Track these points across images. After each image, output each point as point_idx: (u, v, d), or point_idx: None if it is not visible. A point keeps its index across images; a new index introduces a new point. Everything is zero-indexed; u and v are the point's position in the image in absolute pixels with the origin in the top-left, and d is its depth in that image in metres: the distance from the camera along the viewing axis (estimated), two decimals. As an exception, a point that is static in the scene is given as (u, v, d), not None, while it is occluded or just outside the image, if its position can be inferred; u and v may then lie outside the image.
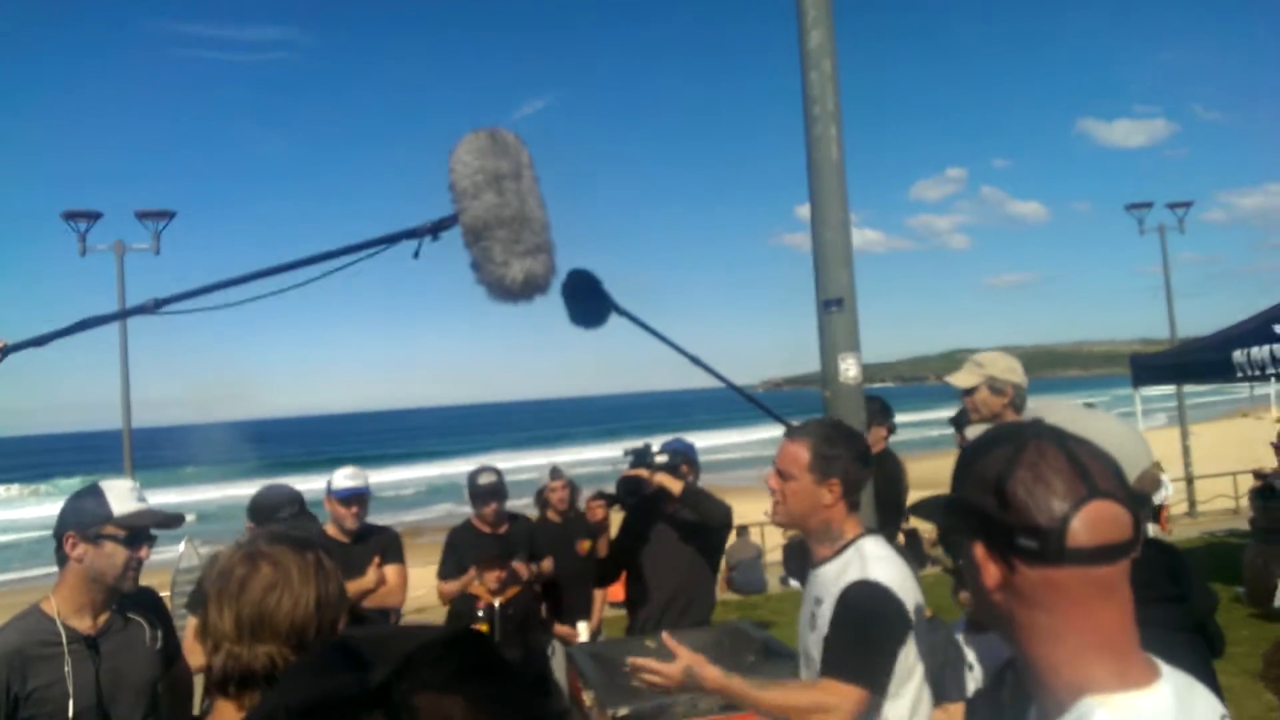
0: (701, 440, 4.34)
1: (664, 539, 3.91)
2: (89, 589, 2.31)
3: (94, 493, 2.35)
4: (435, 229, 2.28)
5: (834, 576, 2.12)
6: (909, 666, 2.05)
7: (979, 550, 0.99)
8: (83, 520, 2.28)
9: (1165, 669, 0.96)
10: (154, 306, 2.54)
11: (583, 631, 4.76)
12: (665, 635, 2.29)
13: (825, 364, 3.40)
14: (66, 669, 2.22)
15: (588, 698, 2.97)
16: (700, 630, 3.63)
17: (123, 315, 2.62)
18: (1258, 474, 10.04)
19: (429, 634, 0.63)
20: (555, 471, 5.27)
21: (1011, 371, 3.19)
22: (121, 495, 2.34)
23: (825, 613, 2.08)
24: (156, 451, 55.01)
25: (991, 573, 0.97)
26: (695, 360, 3.46)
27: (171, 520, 2.45)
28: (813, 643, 2.12)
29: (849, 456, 2.17)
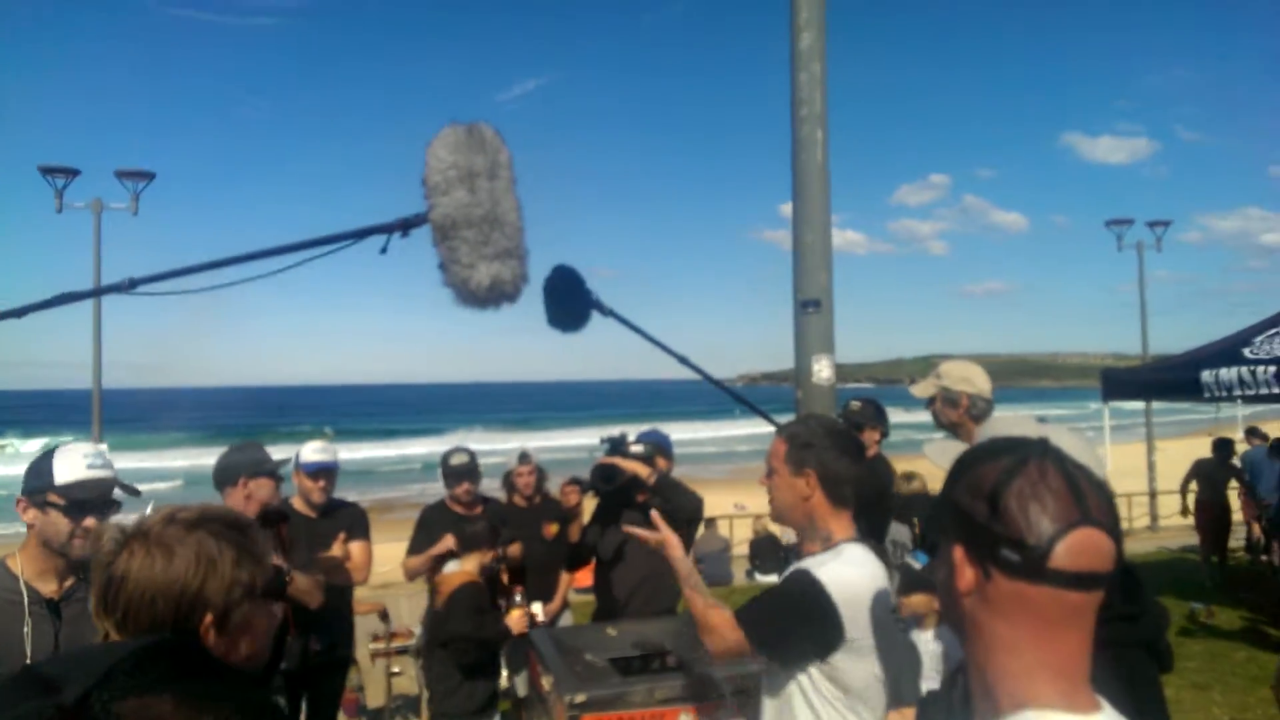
0: (675, 432, 4.36)
1: (635, 526, 3.93)
2: (46, 554, 2.28)
3: (46, 458, 2.33)
4: (405, 225, 2.20)
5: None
6: (862, 680, 2.03)
7: (959, 552, 1.00)
8: (30, 486, 2.28)
9: (1106, 707, 0.97)
10: (129, 286, 2.49)
11: (539, 614, 4.77)
12: (635, 530, 2.56)
13: (799, 364, 3.43)
14: (26, 629, 2.19)
15: (546, 683, 3.00)
16: (664, 619, 3.67)
17: (99, 293, 2.60)
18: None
19: (126, 646, 0.63)
20: (524, 456, 5.27)
21: (966, 382, 3.19)
22: (71, 462, 2.30)
23: None
24: (126, 415, 54.15)
25: (966, 576, 0.99)
26: (683, 360, 3.45)
27: (119, 488, 2.40)
28: None
29: (824, 447, 2.16)
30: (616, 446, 3.89)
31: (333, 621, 4.15)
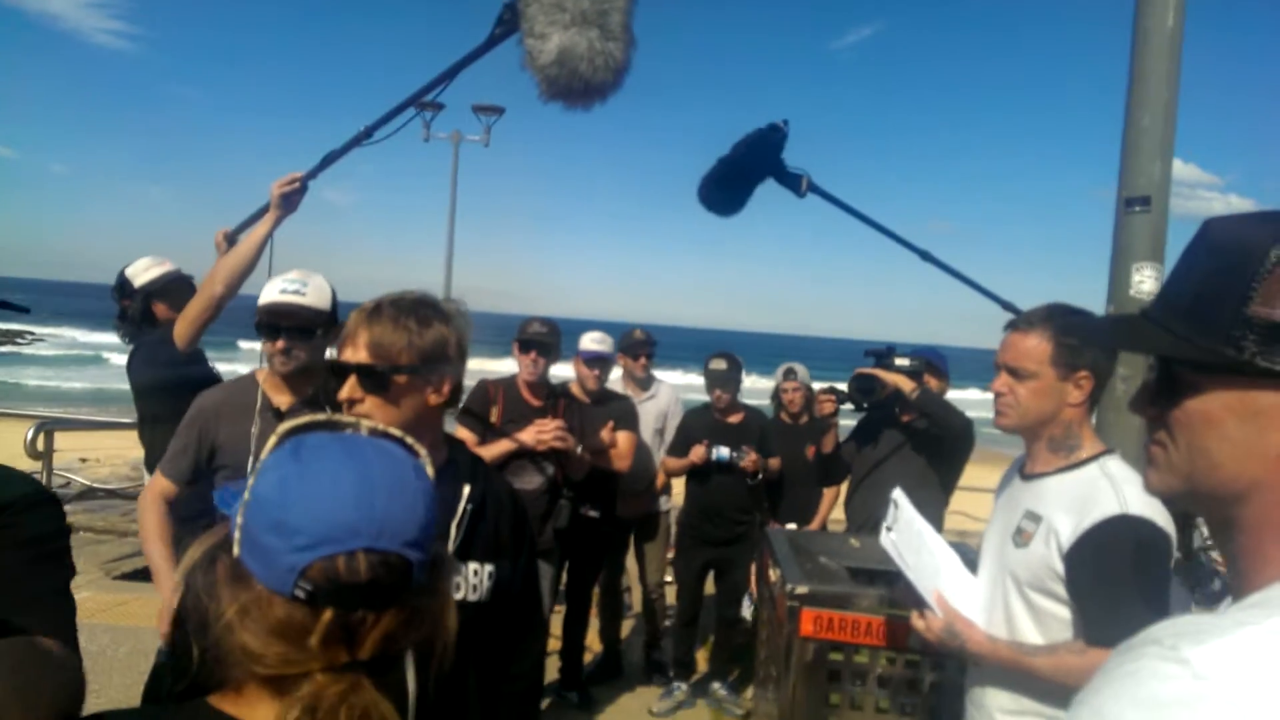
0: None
1: (894, 447, 3.65)
2: None
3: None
4: (508, 6, 1.91)
5: (1068, 496, 1.79)
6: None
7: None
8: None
9: None
10: (365, 135, 2.85)
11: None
12: (937, 595, 1.89)
13: (1116, 273, 2.89)
14: (254, 430, 2.53)
15: (773, 574, 2.88)
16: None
17: (349, 147, 2.99)
18: None
19: None
20: (789, 373, 5.10)
21: None
22: (271, 288, 2.61)
23: (1047, 534, 1.78)
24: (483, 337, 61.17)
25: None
26: (926, 255, 3.11)
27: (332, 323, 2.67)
28: (1019, 562, 1.84)
29: (1097, 345, 1.84)
30: (880, 359, 3.60)
31: (602, 497, 4.37)
